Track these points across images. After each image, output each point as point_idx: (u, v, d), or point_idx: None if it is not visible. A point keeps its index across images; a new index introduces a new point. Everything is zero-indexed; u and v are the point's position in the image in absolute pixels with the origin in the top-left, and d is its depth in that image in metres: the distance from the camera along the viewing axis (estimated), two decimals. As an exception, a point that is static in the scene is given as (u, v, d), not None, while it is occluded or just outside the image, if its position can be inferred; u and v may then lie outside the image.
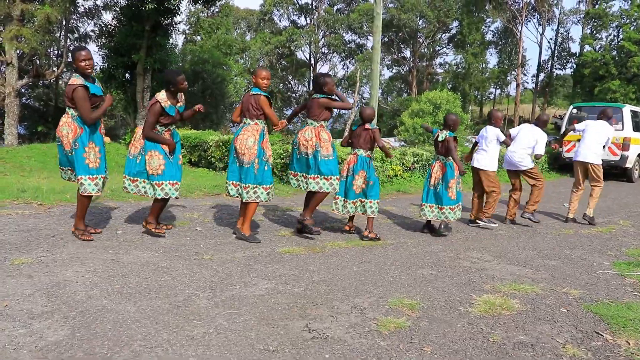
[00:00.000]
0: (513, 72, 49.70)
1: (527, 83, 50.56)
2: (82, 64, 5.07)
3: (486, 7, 42.98)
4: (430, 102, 24.59)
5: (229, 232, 6.22)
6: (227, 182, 5.90)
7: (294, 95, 46.26)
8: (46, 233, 5.55)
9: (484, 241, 6.85)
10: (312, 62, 45.10)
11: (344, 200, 6.38)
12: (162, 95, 5.43)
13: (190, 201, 8.06)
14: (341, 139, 6.85)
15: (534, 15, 44.45)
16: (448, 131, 6.82)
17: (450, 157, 6.79)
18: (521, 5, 42.35)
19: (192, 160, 13.76)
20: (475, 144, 7.99)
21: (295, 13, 45.50)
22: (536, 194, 8.00)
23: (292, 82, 46.73)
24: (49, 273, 4.31)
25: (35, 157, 13.91)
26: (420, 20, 44.52)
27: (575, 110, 17.09)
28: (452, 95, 25.21)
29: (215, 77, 25.25)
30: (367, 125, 6.34)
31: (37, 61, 20.92)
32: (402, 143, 24.60)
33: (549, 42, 45.08)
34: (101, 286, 4.09)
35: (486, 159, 7.49)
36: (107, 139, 17.29)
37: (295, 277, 4.68)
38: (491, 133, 7.45)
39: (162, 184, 5.45)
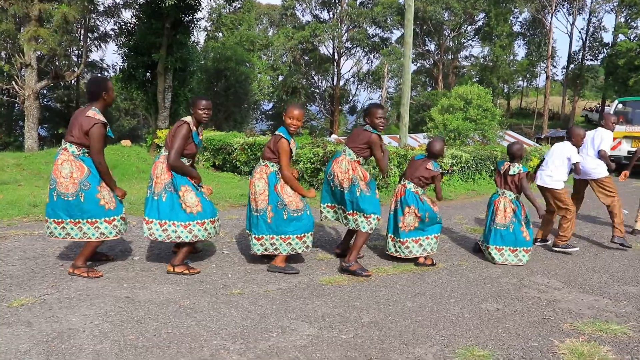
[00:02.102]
0: (541, 64, 48.28)
1: (557, 75, 49.08)
2: (112, 95, 4.59)
3: (514, -2, 41.68)
4: (460, 98, 23.66)
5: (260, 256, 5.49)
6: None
7: (317, 91, 45.46)
8: (53, 261, 4.89)
9: (547, 262, 6.03)
10: (336, 57, 44.22)
11: (392, 238, 5.58)
12: (189, 119, 4.72)
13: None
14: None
15: (563, 5, 43.00)
16: (519, 165, 5.92)
17: (518, 196, 5.93)
18: (550, -5, 40.96)
19: (217, 163, 13.10)
20: (540, 164, 7.09)
21: (318, 7, 44.64)
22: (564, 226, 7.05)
23: (315, 78, 45.92)
24: (52, 319, 3.63)
25: (53, 162, 13.37)
26: (446, 13, 43.36)
27: (621, 105, 16.05)
28: (483, 90, 24.25)
29: (239, 75, 24.58)
30: (430, 165, 5.50)
31: (57, 62, 20.49)
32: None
33: (579, 32, 43.54)
34: (112, 337, 3.40)
35: (550, 176, 6.49)
36: (127, 142, 16.75)
37: (341, 318, 3.94)
38: (567, 151, 6.44)
39: (204, 222, 4.71)
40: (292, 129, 4.88)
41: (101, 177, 4.43)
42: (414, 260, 5.60)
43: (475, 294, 4.72)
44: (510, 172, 5.88)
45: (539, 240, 6.86)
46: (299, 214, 4.87)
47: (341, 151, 5.24)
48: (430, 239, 5.54)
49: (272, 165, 4.88)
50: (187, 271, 4.73)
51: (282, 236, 4.86)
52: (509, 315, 4.25)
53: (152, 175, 4.72)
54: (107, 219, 4.44)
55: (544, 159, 6.89)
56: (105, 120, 4.40)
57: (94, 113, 4.35)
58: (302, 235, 4.92)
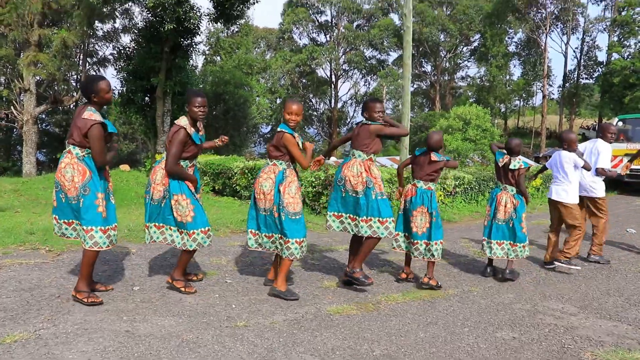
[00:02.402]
0: (537, 83, 48.46)
1: (553, 94, 49.25)
2: (107, 95, 4.36)
3: (508, 19, 41.95)
4: (459, 118, 23.66)
5: (263, 284, 5.30)
6: (247, 231, 5.06)
7: (315, 113, 45.51)
8: (50, 292, 4.69)
9: (559, 285, 5.86)
10: (333, 79, 44.37)
11: (405, 236, 5.54)
12: (184, 121, 4.60)
13: (216, 241, 7.13)
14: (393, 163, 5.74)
15: (557, 25, 43.29)
16: (521, 159, 5.88)
17: (519, 189, 5.87)
18: (544, 15, 41.23)
19: (216, 188, 12.94)
20: (544, 167, 7.05)
21: (315, 30, 44.92)
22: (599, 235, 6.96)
23: (313, 100, 46.02)
24: (48, 356, 3.44)
25: (51, 187, 13.13)
26: (442, 34, 43.65)
27: (621, 123, 15.98)
28: (481, 110, 24.27)
29: (238, 98, 24.55)
30: (433, 156, 5.41)
31: (56, 87, 20.44)
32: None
33: (574, 51, 43.69)
34: (112, 375, 3.21)
35: (566, 190, 6.38)
36: (126, 167, 16.61)
37: (352, 352, 3.76)
38: (567, 159, 6.36)
39: (193, 233, 4.62)
40: (292, 124, 4.82)
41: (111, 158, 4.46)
42: (417, 283, 5.48)
43: (489, 322, 4.54)
44: (511, 167, 5.82)
45: (546, 263, 6.69)
46: (298, 217, 4.78)
47: (350, 156, 5.14)
48: (438, 245, 5.42)
49: (281, 164, 4.82)
50: (183, 288, 4.73)
51: (284, 238, 4.74)
52: (526, 344, 4.08)
53: (150, 180, 4.69)
54: (102, 227, 4.31)
55: (545, 167, 6.86)
56: (101, 120, 4.24)
57: (89, 114, 4.21)
58: (302, 240, 4.78)
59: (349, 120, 46.74)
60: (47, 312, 4.21)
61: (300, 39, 45.54)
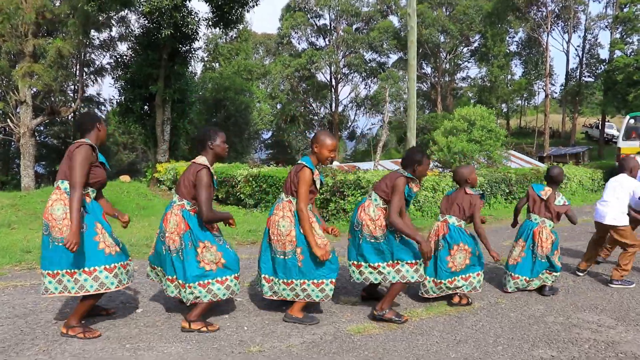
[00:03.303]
0: (539, 82, 48.17)
1: (555, 93, 48.94)
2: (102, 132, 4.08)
3: (508, 18, 41.69)
4: (463, 119, 23.26)
5: (277, 301, 4.92)
6: (259, 274, 4.50)
7: (315, 117, 45.20)
8: (46, 319, 4.33)
9: (590, 294, 5.47)
10: (333, 83, 44.07)
11: (434, 281, 4.96)
12: (204, 160, 4.11)
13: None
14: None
15: (558, 24, 43.04)
16: (563, 196, 5.51)
17: (553, 220, 5.46)
18: (545, 14, 40.95)
19: (220, 197, 12.58)
20: None
21: (314, 35, 44.65)
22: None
23: (313, 105, 45.72)
24: (42, 395, 3.07)
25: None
26: (442, 35, 43.37)
27: (632, 121, 15.62)
28: (486, 110, 23.87)
29: (239, 105, 24.20)
30: (468, 189, 4.99)
31: (52, 98, 20.12)
32: (437, 164, 23.26)
33: (576, 49, 43.29)
34: (113, 417, 2.84)
35: (615, 211, 5.93)
36: (126, 178, 16.26)
37: (379, 379, 3.39)
38: (628, 185, 5.90)
39: (226, 280, 4.13)
40: (326, 160, 4.32)
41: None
42: (448, 300, 5.05)
43: (523, 339, 4.17)
44: (556, 203, 5.41)
45: (580, 270, 6.30)
46: (331, 255, 4.31)
47: (366, 196, 4.65)
48: (480, 276, 5.02)
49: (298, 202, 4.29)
50: (204, 328, 4.11)
51: (315, 280, 4.27)
52: (568, 364, 3.71)
53: (163, 227, 4.13)
54: (107, 266, 3.86)
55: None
56: (91, 143, 3.88)
57: (80, 141, 3.88)
58: (334, 280, 4.34)
59: (349, 123, 46.43)
60: (42, 342, 3.85)
61: (299, 43, 45.35)
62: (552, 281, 5.46)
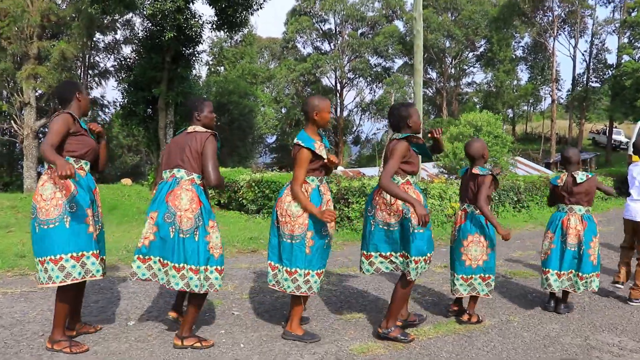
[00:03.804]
0: (545, 88, 47.85)
1: (562, 98, 48.59)
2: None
3: (514, 23, 41.44)
4: (470, 125, 23.04)
5: (276, 314, 4.69)
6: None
7: (320, 123, 44.91)
8: (33, 330, 4.10)
9: (608, 313, 5.20)
10: (338, 87, 43.89)
11: (453, 274, 4.73)
12: (201, 128, 3.88)
13: (222, 263, 6.53)
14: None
15: (564, 28, 42.74)
16: (586, 171, 5.17)
17: (589, 209, 5.08)
18: (551, 19, 40.67)
19: (221, 202, 12.37)
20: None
21: (319, 39, 44.50)
22: None
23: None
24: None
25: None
26: (447, 40, 43.15)
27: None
28: (492, 116, 23.65)
29: (243, 108, 24.01)
30: (476, 169, 4.62)
31: (56, 100, 20.00)
32: (442, 170, 23.02)
33: (583, 54, 42.98)
34: None
35: None
36: (127, 181, 16.08)
37: (384, 406, 3.14)
38: None
39: (216, 270, 3.81)
40: (323, 123, 4.02)
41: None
42: (456, 317, 4.80)
43: (538, 360, 3.92)
44: (578, 180, 4.94)
45: (612, 282, 6.03)
46: (330, 241, 4.10)
47: None
48: (491, 280, 4.69)
49: (312, 181, 3.97)
50: (198, 344, 3.85)
51: (318, 270, 4.00)
52: (588, 390, 3.46)
53: (171, 208, 3.68)
54: (94, 252, 3.68)
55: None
56: (69, 111, 3.62)
57: (60, 111, 3.63)
58: (321, 271, 4.07)
59: (354, 128, 46.22)
60: (26, 356, 3.62)
61: (304, 47, 45.19)
62: (585, 288, 4.97)
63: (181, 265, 3.68)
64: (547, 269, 5.04)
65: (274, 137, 40.77)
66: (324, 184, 4.09)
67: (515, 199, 11.77)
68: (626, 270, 6.02)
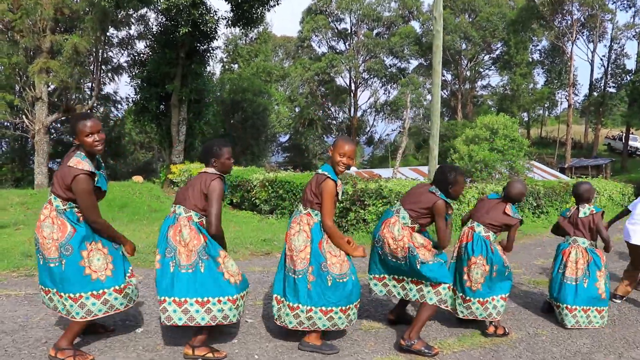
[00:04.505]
0: (561, 92, 47.25)
1: (578, 103, 47.96)
2: (89, 139, 3.41)
3: (532, 26, 40.87)
4: (486, 127, 22.68)
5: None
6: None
7: (334, 122, 44.73)
8: (36, 336, 3.89)
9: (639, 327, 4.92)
10: (353, 87, 43.58)
11: (454, 290, 4.52)
12: (213, 171, 3.66)
13: (234, 265, 6.28)
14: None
15: (582, 33, 42.13)
16: (591, 205, 5.01)
17: (593, 243, 4.96)
18: (570, 23, 40.08)
19: (234, 201, 12.15)
20: (627, 210, 6.05)
21: (334, 38, 44.19)
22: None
23: (332, 109, 45.27)
24: None
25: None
26: (463, 42, 42.69)
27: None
28: (509, 119, 23.26)
29: (256, 107, 23.79)
30: (508, 209, 4.49)
31: (69, 95, 19.87)
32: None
33: (601, 59, 42.33)
34: None
35: None
36: (139, 178, 15.93)
37: None
38: None
39: (242, 296, 3.70)
40: (341, 168, 3.83)
41: (102, 236, 3.51)
42: (482, 329, 4.53)
43: (572, 380, 3.65)
44: (581, 215, 4.92)
45: (617, 296, 5.76)
46: (344, 279, 3.79)
47: (393, 211, 4.16)
48: (497, 301, 4.44)
49: (316, 215, 3.82)
50: (210, 354, 3.64)
51: (323, 308, 3.76)
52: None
53: (171, 243, 3.56)
54: (94, 292, 3.44)
55: (627, 210, 5.95)
56: (91, 169, 3.40)
57: (76, 161, 3.37)
58: (347, 307, 3.83)
59: (368, 129, 45.89)
60: (27, 366, 3.41)
61: (319, 47, 44.91)
62: (601, 323, 4.83)
63: (183, 299, 3.53)
64: (558, 304, 4.91)
65: (287, 136, 40.59)
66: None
67: (535, 205, 11.44)
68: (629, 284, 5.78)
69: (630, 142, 40.91)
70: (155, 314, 4.49)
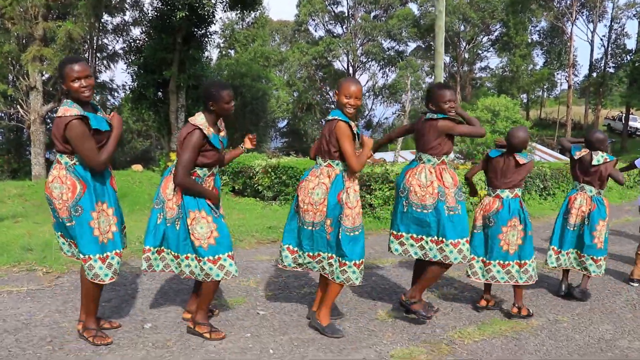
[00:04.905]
0: (561, 73, 46.93)
1: (578, 84, 47.68)
2: (75, 84, 3.22)
3: (532, 6, 40.46)
4: (487, 109, 22.46)
5: (305, 313, 4.28)
6: (281, 246, 4.01)
7: (332, 106, 44.39)
8: (40, 335, 3.72)
9: (663, 310, 4.78)
10: (351, 71, 43.19)
11: (482, 261, 4.41)
12: (200, 119, 3.50)
13: (240, 254, 6.12)
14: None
15: (582, 12, 41.73)
16: (604, 153, 4.88)
17: (600, 191, 4.90)
18: (570, 3, 39.65)
19: (236, 188, 11.96)
20: (632, 165, 6.05)
21: (331, 22, 43.71)
22: None
23: (330, 93, 44.91)
24: None
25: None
26: (462, 24, 42.28)
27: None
28: (510, 101, 23.06)
29: (256, 92, 23.52)
30: (520, 157, 4.33)
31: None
32: (458, 156, 22.49)
33: (601, 39, 41.98)
34: None
35: None
36: (138, 167, 15.72)
37: None
38: None
39: (219, 258, 3.53)
40: (351, 110, 3.70)
41: (108, 157, 3.38)
42: (505, 312, 4.40)
43: (600, 370, 3.51)
44: (594, 162, 4.81)
45: (635, 280, 5.62)
46: (357, 232, 3.72)
47: (417, 160, 4.05)
48: (529, 264, 4.36)
49: (337, 165, 3.71)
50: (208, 335, 3.65)
51: (340, 259, 3.70)
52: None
53: (161, 196, 3.62)
54: (100, 255, 3.39)
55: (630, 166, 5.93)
56: (81, 113, 3.22)
57: (64, 109, 3.22)
58: (360, 261, 3.74)
59: (366, 112, 45.56)
60: (32, 366, 3.24)
61: (316, 30, 44.44)
62: (597, 272, 4.85)
63: (181, 254, 3.61)
64: (550, 245, 5.03)
65: (285, 122, 40.30)
66: (349, 170, 3.74)
67: (542, 187, 11.28)
68: None
69: (630, 123, 40.70)
70: (162, 307, 4.33)
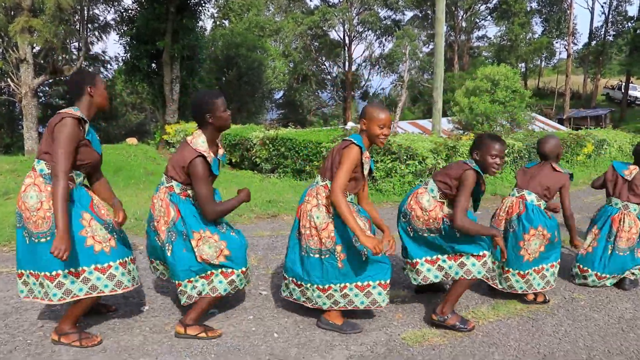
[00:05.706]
0: (560, 41, 46.38)
1: (577, 53, 47.13)
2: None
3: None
4: (487, 79, 22.08)
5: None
6: (285, 277, 3.59)
7: (328, 77, 43.84)
8: (31, 320, 3.51)
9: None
10: (347, 41, 42.50)
11: (502, 269, 4.03)
12: (201, 143, 3.14)
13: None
14: None
15: (582, -22, 41.04)
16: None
17: None
18: (570, -32, 38.94)
19: (233, 161, 11.71)
20: None
21: (327, -10, 42.86)
22: None
23: (326, 64, 44.27)
24: None
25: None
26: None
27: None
28: (510, 70, 22.65)
29: (251, 62, 23.04)
30: (557, 166, 4.03)
31: (55, 56, 19.07)
32: (457, 126, 22.23)
33: (602, 6, 41.35)
34: None
35: None
36: (133, 140, 15.41)
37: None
38: None
39: (232, 273, 3.25)
40: (383, 141, 3.32)
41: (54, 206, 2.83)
42: (520, 296, 4.15)
43: (621, 351, 3.33)
44: (629, 177, 4.42)
45: None
46: (384, 247, 3.39)
47: (421, 184, 3.75)
48: (555, 268, 4.05)
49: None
50: (203, 334, 3.29)
51: (359, 283, 3.37)
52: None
53: (152, 215, 3.30)
54: (98, 266, 3.03)
55: None
56: (78, 115, 2.96)
57: (66, 111, 2.96)
58: (387, 282, 3.43)
59: (363, 83, 45.01)
60: (21, 356, 3.04)
61: (311, 0, 43.61)
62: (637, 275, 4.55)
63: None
64: (585, 268, 4.50)
65: (281, 93, 39.81)
66: (352, 205, 3.40)
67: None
68: None
69: (630, 92, 40.37)
70: (160, 289, 4.12)
